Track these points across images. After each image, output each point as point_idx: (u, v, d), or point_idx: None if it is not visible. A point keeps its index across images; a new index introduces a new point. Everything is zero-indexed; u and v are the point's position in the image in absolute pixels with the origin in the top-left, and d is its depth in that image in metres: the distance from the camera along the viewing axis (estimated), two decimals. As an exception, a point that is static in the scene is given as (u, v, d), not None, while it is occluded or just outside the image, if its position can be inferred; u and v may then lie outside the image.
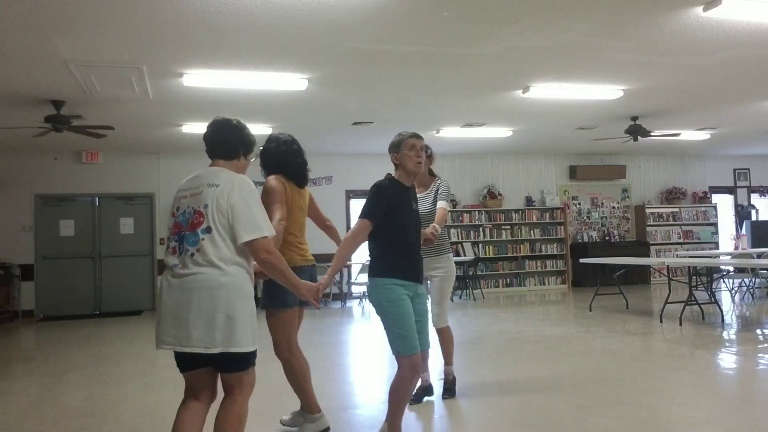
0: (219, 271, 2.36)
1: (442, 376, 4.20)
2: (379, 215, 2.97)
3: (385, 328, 2.97)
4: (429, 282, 4.08)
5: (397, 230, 3.00)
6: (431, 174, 4.22)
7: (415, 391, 3.92)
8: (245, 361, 2.44)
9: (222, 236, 2.38)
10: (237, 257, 2.41)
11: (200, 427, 2.52)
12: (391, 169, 3.17)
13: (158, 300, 2.48)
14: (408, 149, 3.06)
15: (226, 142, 2.58)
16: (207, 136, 2.61)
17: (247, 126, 2.67)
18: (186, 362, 2.51)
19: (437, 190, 4.14)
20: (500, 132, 9.49)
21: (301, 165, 3.48)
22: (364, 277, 10.03)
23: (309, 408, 3.38)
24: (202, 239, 2.37)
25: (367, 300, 10.36)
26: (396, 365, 2.98)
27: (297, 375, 3.32)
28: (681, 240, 12.76)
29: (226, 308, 2.35)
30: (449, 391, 4.10)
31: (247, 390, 2.49)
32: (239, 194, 2.40)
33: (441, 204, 4.10)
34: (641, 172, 12.91)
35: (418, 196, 3.94)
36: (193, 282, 2.35)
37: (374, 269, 3.02)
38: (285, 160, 3.39)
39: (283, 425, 3.52)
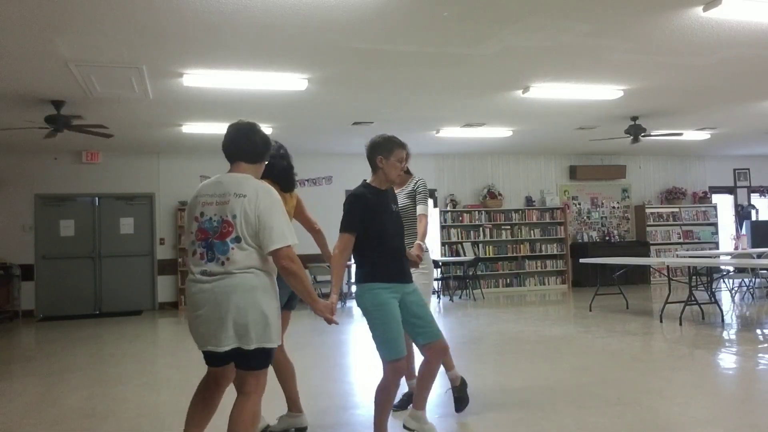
0: (251, 275, 2.50)
1: (449, 386, 3.83)
2: (358, 226, 2.98)
3: (372, 334, 2.99)
4: None
5: (377, 236, 3.01)
6: (407, 172, 3.93)
7: (399, 397, 3.89)
8: (268, 357, 2.59)
9: (250, 244, 2.50)
10: (264, 262, 2.55)
11: (215, 406, 2.76)
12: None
13: (189, 304, 2.59)
14: (397, 160, 3.08)
15: (254, 147, 2.66)
16: (230, 142, 2.65)
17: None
18: (216, 359, 2.65)
19: (415, 189, 3.90)
20: (500, 132, 9.49)
21: (286, 169, 3.47)
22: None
23: (294, 407, 3.52)
24: (232, 248, 2.49)
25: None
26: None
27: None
28: (681, 240, 12.77)
29: (261, 308, 2.49)
30: (461, 400, 3.72)
31: (261, 389, 2.62)
32: (265, 204, 2.51)
33: (420, 210, 3.86)
34: (641, 172, 12.91)
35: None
36: (226, 285, 2.48)
37: (359, 275, 3.05)
38: (272, 164, 3.33)
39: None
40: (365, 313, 3.00)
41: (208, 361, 2.69)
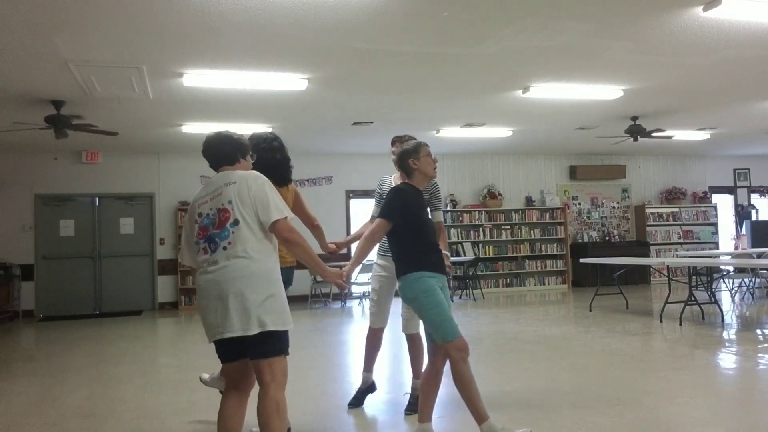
0: (250, 260, 2.56)
1: (409, 391, 3.94)
2: (396, 216, 3.08)
3: (426, 320, 3.05)
4: (373, 275, 4.00)
5: (419, 229, 3.12)
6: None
7: (355, 392, 3.96)
8: (278, 343, 2.60)
9: (250, 226, 2.59)
10: (264, 246, 2.63)
11: (242, 414, 2.72)
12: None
13: (198, 295, 2.67)
14: (426, 155, 3.20)
15: (223, 152, 2.79)
16: (205, 153, 2.82)
17: (235, 132, 2.88)
18: (227, 353, 2.67)
19: (432, 193, 3.88)
20: (500, 132, 9.49)
21: (280, 162, 3.44)
22: (364, 277, 10.02)
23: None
24: (233, 232, 2.58)
25: (366, 300, 10.36)
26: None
27: None
28: (681, 240, 12.77)
29: (260, 293, 2.54)
30: (413, 405, 3.71)
31: (280, 378, 2.61)
32: (256, 184, 2.65)
33: (439, 217, 3.85)
34: (641, 172, 12.91)
35: None
36: (227, 273, 2.54)
37: (404, 266, 3.10)
38: (264, 157, 3.32)
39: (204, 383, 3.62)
40: (414, 301, 3.05)
41: (220, 355, 2.70)
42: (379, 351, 4.07)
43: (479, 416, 3.00)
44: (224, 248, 2.56)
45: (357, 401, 3.95)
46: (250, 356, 2.61)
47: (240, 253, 2.55)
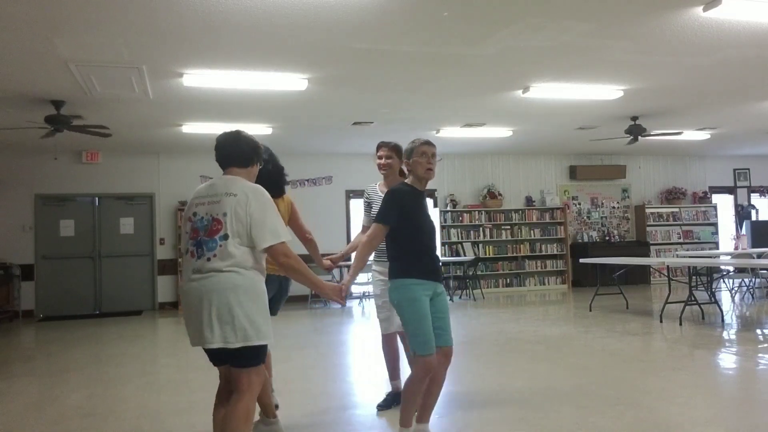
0: (235, 273, 2.53)
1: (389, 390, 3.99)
2: (393, 219, 3.06)
3: (404, 327, 3.07)
4: (373, 281, 3.98)
5: (413, 232, 3.09)
6: (402, 174, 3.78)
7: (386, 396, 3.94)
8: (257, 355, 2.61)
9: (238, 243, 2.55)
10: (251, 261, 2.58)
11: None
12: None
13: (182, 302, 2.68)
14: (419, 156, 3.14)
15: (241, 152, 2.76)
16: (220, 148, 2.78)
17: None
18: (215, 359, 2.70)
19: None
20: (500, 132, 9.49)
21: (273, 173, 3.45)
22: (364, 277, 10.02)
23: (266, 413, 3.41)
24: (220, 245, 2.54)
25: (366, 300, 10.38)
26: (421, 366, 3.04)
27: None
28: (681, 240, 12.77)
29: (243, 307, 2.52)
30: (387, 403, 3.89)
31: (255, 387, 2.64)
32: (257, 203, 2.59)
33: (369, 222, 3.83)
34: (641, 172, 12.91)
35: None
36: (211, 284, 2.52)
37: (394, 271, 3.10)
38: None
39: None
40: (398, 307, 3.06)
41: (210, 360, 2.72)
42: (399, 358, 3.98)
43: (405, 421, 3.06)
44: (209, 259, 2.53)
45: (386, 404, 3.89)
46: (229, 364, 2.63)
47: (224, 268, 2.51)
